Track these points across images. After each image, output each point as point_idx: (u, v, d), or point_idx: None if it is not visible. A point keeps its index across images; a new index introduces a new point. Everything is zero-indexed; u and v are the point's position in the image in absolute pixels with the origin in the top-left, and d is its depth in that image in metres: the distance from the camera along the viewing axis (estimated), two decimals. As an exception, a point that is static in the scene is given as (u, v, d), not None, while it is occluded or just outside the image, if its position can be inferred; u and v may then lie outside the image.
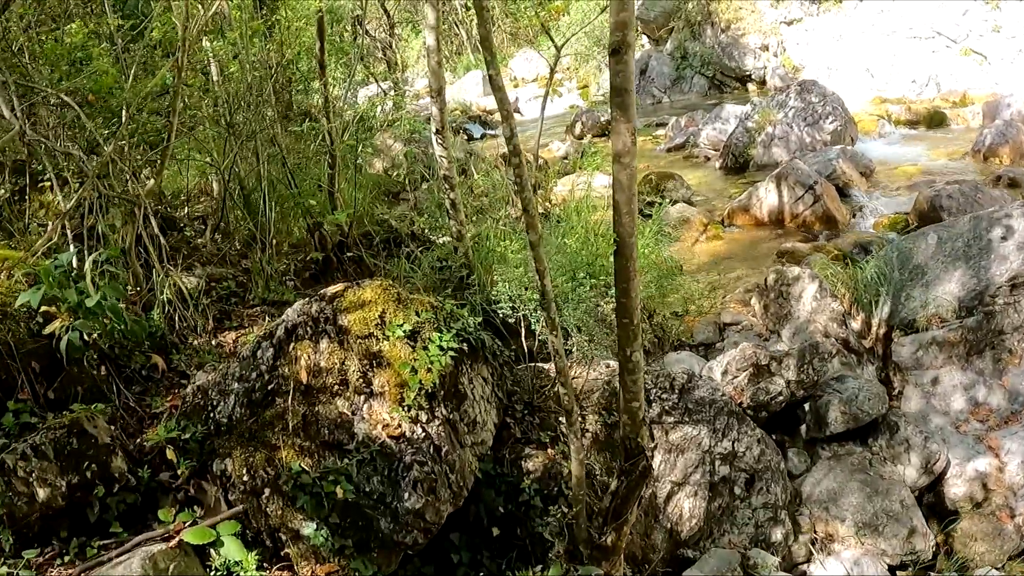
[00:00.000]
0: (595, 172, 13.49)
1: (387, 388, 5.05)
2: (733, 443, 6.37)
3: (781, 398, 7.18)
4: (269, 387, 5.08)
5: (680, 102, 24.28)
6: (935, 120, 17.87)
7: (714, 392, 6.56)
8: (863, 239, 11.16)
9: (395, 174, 12.59)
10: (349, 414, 4.98)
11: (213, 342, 6.22)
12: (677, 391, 6.45)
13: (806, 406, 7.37)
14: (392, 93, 14.27)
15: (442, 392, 5.18)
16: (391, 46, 25.51)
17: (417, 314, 5.37)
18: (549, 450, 5.76)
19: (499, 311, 6.51)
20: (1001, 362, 7.69)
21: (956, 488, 6.90)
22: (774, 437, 7.15)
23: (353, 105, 13.61)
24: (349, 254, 8.43)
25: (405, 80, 32.87)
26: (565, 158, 17.85)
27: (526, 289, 6.37)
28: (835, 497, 6.61)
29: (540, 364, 6.54)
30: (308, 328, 5.23)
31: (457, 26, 35.28)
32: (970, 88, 19.66)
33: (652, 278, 9.65)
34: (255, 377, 5.15)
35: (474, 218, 10.13)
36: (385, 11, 21.28)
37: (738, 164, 15.53)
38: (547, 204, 12.29)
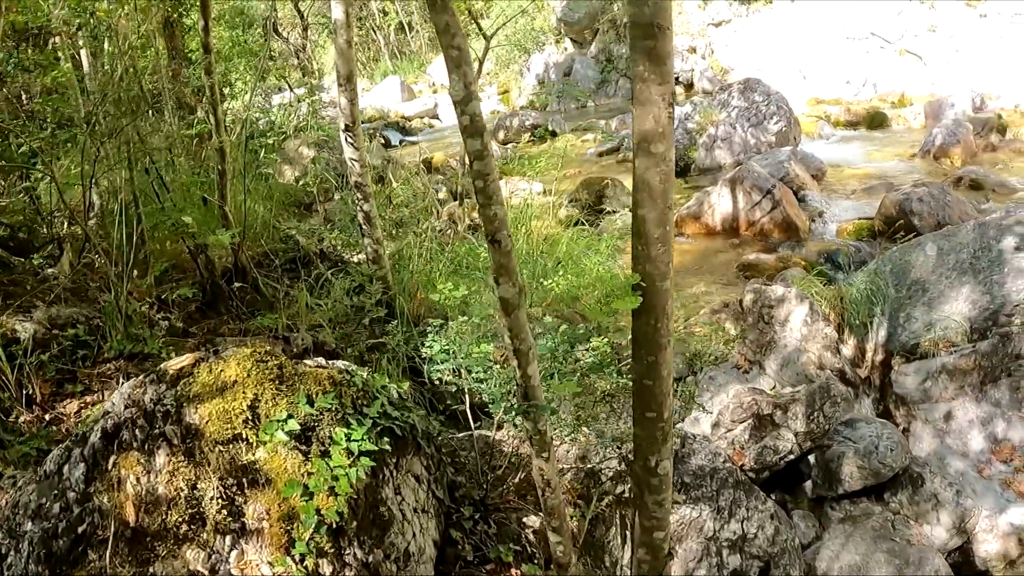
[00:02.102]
0: (534, 178, 12.35)
1: (267, 523, 3.21)
2: (742, 523, 4.98)
3: (792, 457, 5.82)
4: (79, 529, 3.13)
5: (606, 105, 23.48)
6: (876, 121, 17.27)
7: (714, 458, 5.13)
8: (829, 248, 10.08)
9: (304, 183, 11.27)
10: (206, 573, 3.08)
11: (48, 416, 4.35)
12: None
13: (811, 457, 6.07)
14: (306, 98, 12.92)
15: (354, 523, 3.33)
16: (304, 49, 24.25)
17: (310, 400, 3.48)
18: (514, 571, 3.98)
19: (432, 372, 4.63)
20: (1020, 391, 6.57)
21: (988, 545, 5.76)
22: (774, 497, 5.82)
23: (267, 111, 12.36)
24: (237, 285, 6.80)
25: (320, 86, 31.75)
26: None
27: (485, 371, 4.32)
28: (860, 574, 5.32)
29: (487, 433, 4.70)
30: (138, 430, 3.31)
31: (374, 31, 34.27)
32: (907, 89, 19.30)
33: (601, 295, 8.49)
34: (58, 512, 3.18)
35: (395, 231, 8.89)
36: (299, 12, 19.95)
37: (678, 168, 14.26)
38: (473, 214, 11.07)
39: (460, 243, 9.22)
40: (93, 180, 6.11)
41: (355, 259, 7.56)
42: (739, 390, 6.31)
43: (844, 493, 5.83)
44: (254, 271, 6.87)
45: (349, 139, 6.68)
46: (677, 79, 23.09)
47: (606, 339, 4.32)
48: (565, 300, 8.06)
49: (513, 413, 3.81)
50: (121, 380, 4.62)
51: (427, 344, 4.37)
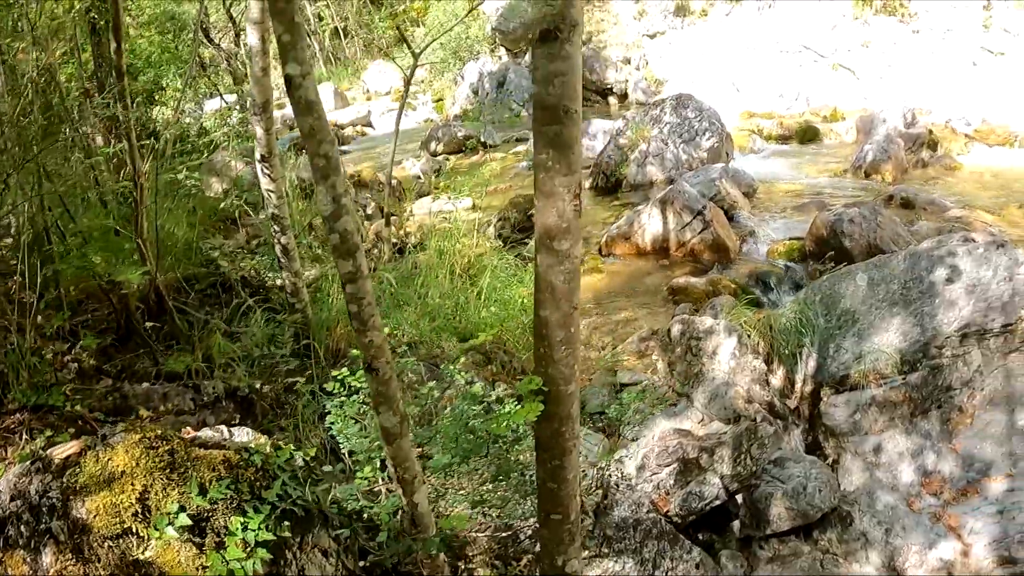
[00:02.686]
0: (460, 196, 12.11)
1: (162, 622, 2.98)
2: (667, 574, 4.78)
3: (718, 502, 5.60)
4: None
5: (539, 116, 23.03)
6: (808, 135, 17.29)
7: (638, 509, 4.90)
8: (760, 270, 9.92)
9: (228, 202, 10.87)
10: None
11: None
12: (591, 513, 4.81)
13: (738, 497, 5.88)
14: (236, 107, 12.54)
15: (252, 621, 3.12)
16: (236, 56, 23.77)
17: (203, 490, 3.20)
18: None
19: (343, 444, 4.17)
20: (950, 423, 6.47)
21: (917, 583, 5.56)
22: (701, 538, 5.62)
23: (199, 118, 11.95)
24: (150, 324, 6.37)
25: (251, 94, 31.26)
26: (419, 177, 16.31)
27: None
28: (788, 618, 5.15)
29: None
30: (24, 526, 3.03)
31: (309, 36, 33.87)
32: (840, 103, 19.40)
33: (528, 324, 8.27)
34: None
35: (320, 251, 8.61)
36: (231, 18, 19.51)
37: (609, 184, 14.15)
38: (401, 234, 10.81)
39: (386, 266, 8.95)
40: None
41: (279, 283, 7.24)
42: (665, 432, 6.08)
43: (773, 533, 5.65)
44: (170, 302, 6.51)
45: (265, 169, 6.44)
46: (611, 90, 23.06)
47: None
48: (488, 332, 7.82)
49: (399, 546, 3.49)
50: (25, 436, 4.28)
51: (330, 416, 4.05)
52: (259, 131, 6.41)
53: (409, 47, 11.46)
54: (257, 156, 6.51)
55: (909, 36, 19.64)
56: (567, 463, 2.81)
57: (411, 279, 8.37)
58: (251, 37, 6.30)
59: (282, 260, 6.69)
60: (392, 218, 10.40)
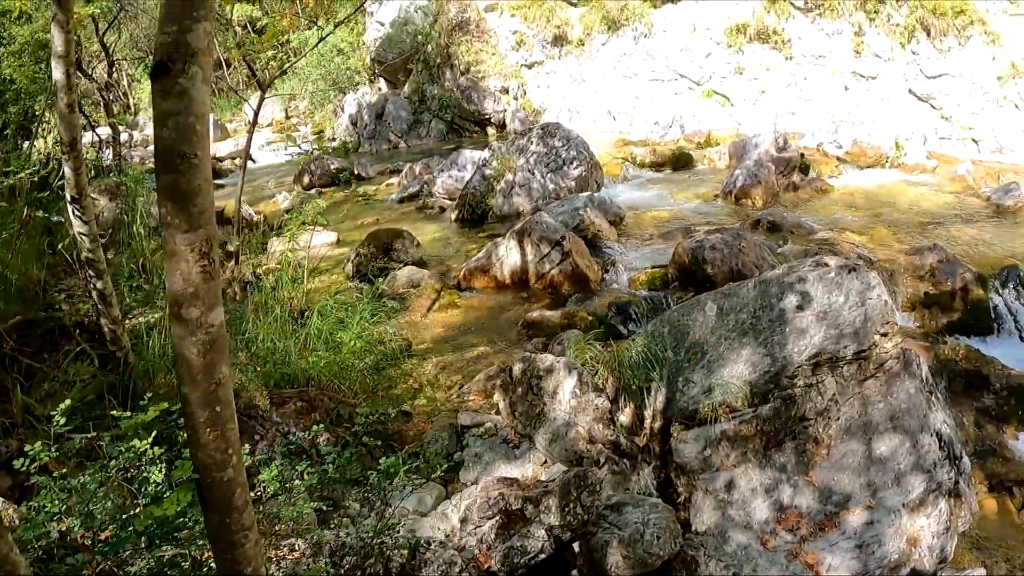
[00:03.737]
0: (314, 230, 11.69)
1: None
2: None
3: (544, 556, 5.14)
4: None
5: (417, 147, 22.97)
6: (681, 161, 17.19)
7: (449, 568, 4.41)
8: (620, 299, 9.58)
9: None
10: None
11: None
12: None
13: (575, 545, 5.44)
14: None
15: None
16: (107, 87, 22.99)
17: None
18: None
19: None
20: (806, 454, 6.23)
21: (770, 630, 5.21)
22: (534, 594, 5.19)
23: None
24: None
25: (136, 123, 30.42)
26: (289, 211, 15.75)
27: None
28: None
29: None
30: None
31: None
32: (714, 129, 19.52)
33: (370, 363, 7.79)
34: None
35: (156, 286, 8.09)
36: (104, 47, 18.75)
37: (476, 215, 13.76)
38: (254, 272, 10.29)
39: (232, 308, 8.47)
40: None
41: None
42: (488, 482, 5.64)
43: (610, 586, 5.25)
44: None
45: (77, 211, 5.96)
46: (489, 120, 22.82)
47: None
48: (326, 374, 7.37)
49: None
50: None
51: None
52: (68, 171, 5.93)
53: (258, 82, 11.03)
54: (68, 198, 6.02)
55: (783, 62, 19.81)
56: (240, 556, 2.35)
57: (242, 322, 7.88)
58: (56, 71, 5.82)
59: (100, 306, 6.20)
60: (240, 256, 9.89)
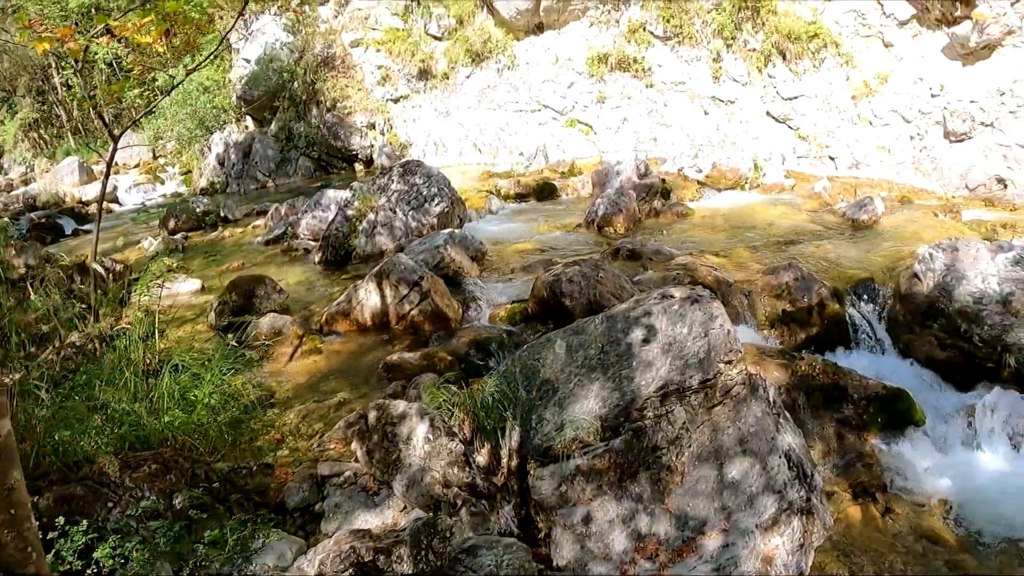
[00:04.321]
0: (177, 278, 11.48)
1: None
2: None
3: (396, 608, 5.13)
4: None
5: (286, 186, 22.79)
6: (545, 192, 17.41)
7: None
8: (481, 337, 9.58)
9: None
10: None
11: None
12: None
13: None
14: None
15: None
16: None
17: None
18: None
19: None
20: (661, 483, 6.32)
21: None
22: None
23: None
24: None
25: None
26: (153, 258, 15.43)
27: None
28: None
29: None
30: None
31: (57, 105, 32.28)
32: (578, 157, 19.87)
33: (230, 417, 7.63)
34: None
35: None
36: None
37: (339, 257, 13.64)
38: (113, 326, 10.01)
39: (88, 367, 8.22)
40: None
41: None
42: (340, 536, 5.60)
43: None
44: None
45: None
46: (357, 156, 22.80)
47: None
48: (180, 432, 7.20)
49: None
50: None
51: None
52: None
53: (110, 132, 10.81)
54: None
55: (644, 90, 20.26)
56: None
57: (95, 384, 7.65)
58: None
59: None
60: (100, 313, 9.62)
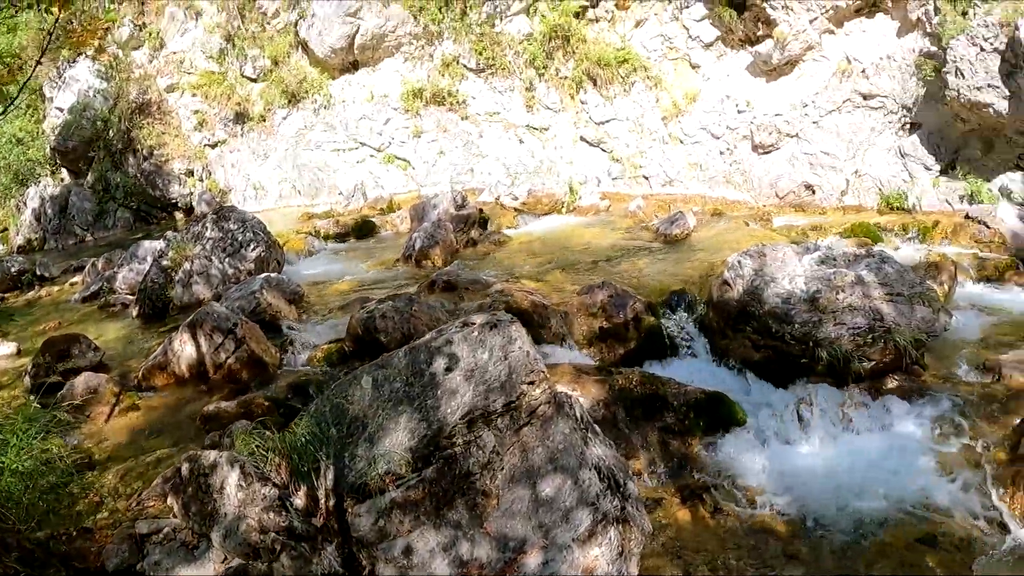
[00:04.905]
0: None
1: None
2: None
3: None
4: None
5: (105, 239, 22.01)
6: (364, 230, 17.56)
7: None
8: (300, 379, 9.62)
9: None
10: None
11: None
12: None
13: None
14: None
15: None
16: None
17: None
18: None
19: None
20: (478, 507, 6.46)
21: None
22: None
23: None
24: None
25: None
26: (-36, 325, 14.86)
27: None
28: None
29: None
30: None
31: None
32: (396, 193, 20.14)
33: (47, 483, 7.46)
34: None
35: None
36: None
37: (157, 309, 13.36)
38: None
39: None
40: None
41: None
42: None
43: None
44: None
45: None
46: (176, 204, 22.39)
47: None
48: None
49: None
50: None
51: None
52: None
53: None
54: None
55: (459, 122, 20.62)
56: None
57: None
58: None
59: None
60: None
